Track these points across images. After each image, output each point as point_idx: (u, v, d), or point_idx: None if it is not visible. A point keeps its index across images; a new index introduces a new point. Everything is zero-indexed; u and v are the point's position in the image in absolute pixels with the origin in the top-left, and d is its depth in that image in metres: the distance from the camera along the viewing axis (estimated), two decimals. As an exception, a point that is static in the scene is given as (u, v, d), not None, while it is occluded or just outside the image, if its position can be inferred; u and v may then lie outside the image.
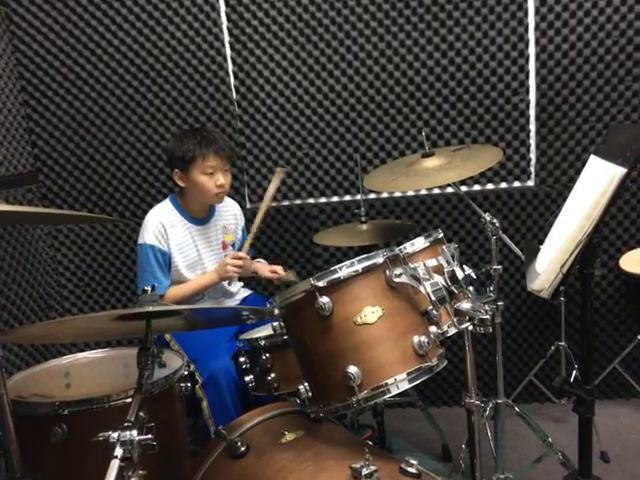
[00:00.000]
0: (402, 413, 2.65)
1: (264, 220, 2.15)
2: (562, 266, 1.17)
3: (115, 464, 0.90)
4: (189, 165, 2.01)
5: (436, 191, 2.57)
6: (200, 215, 2.16)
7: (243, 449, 1.36)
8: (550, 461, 1.95)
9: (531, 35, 2.39)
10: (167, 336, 2.00)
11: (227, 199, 2.30)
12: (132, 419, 1.00)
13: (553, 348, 2.51)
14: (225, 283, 2.11)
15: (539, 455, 1.98)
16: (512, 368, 2.63)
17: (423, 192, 2.57)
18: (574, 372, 2.48)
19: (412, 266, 1.39)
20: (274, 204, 2.64)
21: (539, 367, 2.57)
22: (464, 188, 2.53)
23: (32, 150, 2.62)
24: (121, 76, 2.56)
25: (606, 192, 1.18)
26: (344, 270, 1.29)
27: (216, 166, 2.02)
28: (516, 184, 2.52)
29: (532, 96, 2.44)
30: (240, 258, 2.01)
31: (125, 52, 2.54)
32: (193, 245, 2.11)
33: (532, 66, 2.41)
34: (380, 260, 1.31)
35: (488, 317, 1.34)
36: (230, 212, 2.27)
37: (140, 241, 2.05)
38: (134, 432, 0.96)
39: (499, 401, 1.93)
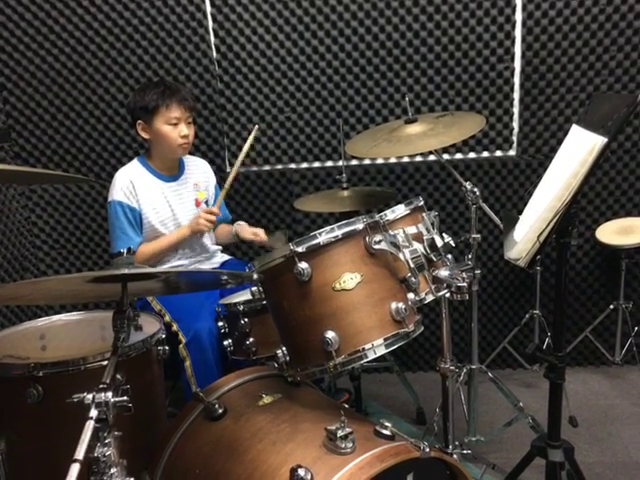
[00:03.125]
0: (379, 378, 2.70)
1: (236, 177, 2.16)
2: (539, 235, 1.18)
3: (90, 425, 0.90)
4: (152, 115, 2.00)
5: (418, 159, 2.56)
6: (169, 172, 2.15)
7: (220, 411, 1.37)
8: (521, 425, 2.02)
9: (518, 1, 2.35)
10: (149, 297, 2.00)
11: (196, 158, 2.30)
12: (107, 381, 0.99)
13: (527, 316, 2.56)
14: (197, 235, 2.11)
15: (510, 419, 2.04)
16: (487, 335, 2.69)
17: (405, 159, 2.56)
18: (547, 339, 2.55)
19: (392, 233, 1.39)
20: (255, 168, 2.61)
21: (513, 334, 2.63)
22: (446, 156, 2.52)
23: (4, 107, 2.53)
24: (96, 30, 2.46)
25: (586, 162, 1.18)
26: (324, 236, 1.29)
27: (180, 117, 2.02)
28: (498, 153, 2.52)
29: (517, 64, 2.42)
30: (213, 213, 2.03)
31: (100, 5, 2.43)
32: (165, 202, 2.10)
33: (518, 33, 2.38)
34: (360, 226, 1.31)
35: (465, 285, 1.35)
36: (200, 170, 2.26)
37: (109, 199, 2.05)
38: (109, 394, 0.95)
39: (473, 367, 1.97)
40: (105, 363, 1.40)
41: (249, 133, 2.18)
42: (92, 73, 2.50)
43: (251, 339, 1.74)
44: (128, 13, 2.44)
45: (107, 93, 2.53)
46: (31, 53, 2.48)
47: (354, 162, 2.56)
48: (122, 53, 2.48)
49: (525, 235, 1.25)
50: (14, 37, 2.46)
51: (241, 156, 2.09)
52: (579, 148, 1.22)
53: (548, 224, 1.17)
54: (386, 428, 1.21)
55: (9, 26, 2.44)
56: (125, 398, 0.97)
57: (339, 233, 1.29)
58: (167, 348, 1.64)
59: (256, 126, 2.22)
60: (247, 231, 2.19)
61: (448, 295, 1.41)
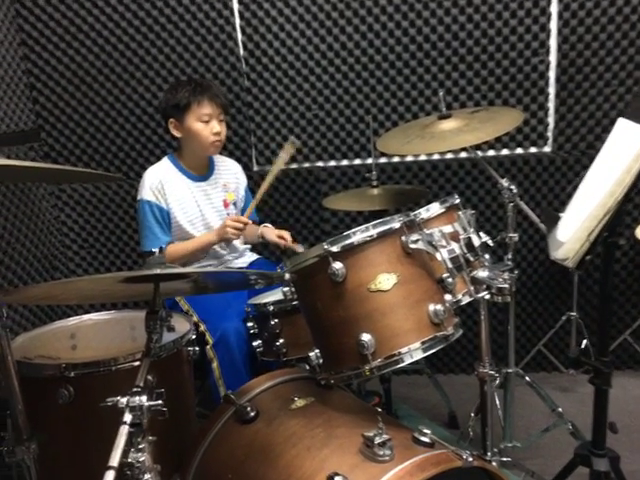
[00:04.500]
0: (408, 380, 2.65)
1: (269, 189, 2.01)
2: (589, 234, 1.12)
3: (124, 430, 0.88)
4: (184, 112, 1.99)
5: (449, 156, 2.49)
6: (199, 172, 2.13)
7: (252, 414, 1.34)
8: (559, 431, 1.94)
9: (554, -8, 2.28)
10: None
11: (227, 159, 2.28)
12: (141, 384, 0.97)
13: (564, 318, 2.48)
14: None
15: (546, 424, 1.97)
16: (520, 337, 2.61)
17: (436, 157, 2.50)
18: (584, 342, 2.46)
19: (428, 232, 1.34)
20: (283, 167, 2.57)
21: (548, 337, 2.54)
22: (478, 153, 2.45)
23: (33, 107, 2.54)
24: (124, 29, 2.45)
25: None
26: (358, 235, 1.25)
27: (211, 113, 2.01)
28: (532, 150, 2.45)
29: (553, 57, 2.34)
30: (241, 222, 1.96)
31: (128, 4, 2.43)
32: (194, 201, 2.09)
33: (554, 25, 2.31)
34: (396, 225, 1.27)
35: (507, 286, 1.30)
36: (230, 171, 2.24)
37: (138, 197, 2.05)
38: (143, 398, 0.93)
39: (509, 370, 1.91)
40: (136, 364, 1.39)
41: (283, 148, 2.01)
42: (120, 72, 2.50)
43: (281, 340, 1.70)
44: (156, 12, 2.43)
45: (135, 92, 2.53)
46: (60, 53, 2.49)
47: (383, 160, 2.51)
48: (150, 52, 2.48)
49: (573, 234, 1.19)
50: (43, 37, 2.47)
51: (274, 171, 1.96)
52: (630, 142, 1.15)
53: (599, 222, 1.11)
54: (425, 435, 1.16)
55: (38, 26, 2.46)
56: (159, 402, 0.94)
57: (374, 232, 1.25)
58: (197, 349, 1.62)
59: (294, 144, 2.01)
60: (273, 233, 2.16)
61: (488, 297, 1.35)
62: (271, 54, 2.45)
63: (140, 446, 0.90)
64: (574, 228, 1.20)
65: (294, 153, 2.23)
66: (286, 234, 2.12)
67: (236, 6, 2.43)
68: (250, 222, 2.05)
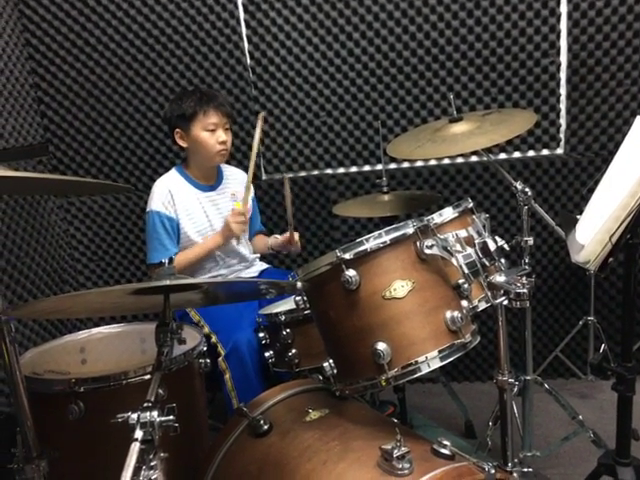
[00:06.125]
0: (422, 388, 2.60)
1: (255, 174, 2.10)
2: (611, 235, 1.08)
3: (136, 447, 0.85)
4: (190, 122, 1.99)
5: (459, 160, 2.46)
6: (207, 181, 2.13)
7: (266, 427, 1.31)
8: (579, 439, 1.89)
9: (563, -8, 2.25)
10: (187, 307, 1.96)
11: (235, 169, 2.27)
12: (152, 399, 0.94)
13: (581, 323, 2.43)
14: (234, 242, 2.07)
15: (566, 432, 1.92)
16: (537, 343, 2.55)
17: (446, 161, 2.47)
18: (602, 347, 2.40)
19: (442, 237, 1.31)
20: (291, 175, 2.55)
21: (565, 342, 2.49)
22: (490, 156, 2.42)
23: (42, 120, 2.55)
24: (131, 42, 2.45)
25: (660, 155, 1.08)
26: (371, 242, 1.22)
27: (217, 123, 2.00)
28: (545, 152, 2.41)
29: (563, 58, 2.31)
30: (241, 214, 1.98)
31: (135, 16, 2.43)
32: (202, 211, 2.08)
33: (564, 25, 2.28)
34: (410, 231, 1.23)
35: (525, 291, 1.26)
36: (238, 180, 2.22)
37: (147, 209, 2.04)
38: (155, 413, 0.90)
39: (528, 377, 1.86)
40: (146, 377, 1.37)
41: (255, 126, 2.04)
42: (127, 84, 2.50)
43: (293, 350, 1.68)
44: (162, 23, 2.43)
45: (142, 103, 2.52)
46: (67, 66, 2.49)
47: (392, 165, 2.49)
48: (157, 63, 2.47)
49: (594, 236, 1.15)
50: (50, 51, 2.47)
51: (255, 147, 1.98)
52: (650, 140, 1.12)
53: (621, 223, 1.08)
54: (445, 447, 1.12)
55: (45, 40, 2.46)
56: (171, 417, 0.91)
57: (387, 239, 1.22)
58: (209, 361, 1.59)
59: (261, 114, 2.06)
60: (280, 240, 2.15)
61: (506, 302, 1.31)
62: (278, 62, 2.44)
63: (152, 463, 0.87)
64: (595, 230, 1.16)
65: (264, 124, 2.29)
66: (294, 235, 2.09)
67: (242, 15, 2.42)
68: (248, 210, 2.05)
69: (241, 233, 2.04)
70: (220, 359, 1.79)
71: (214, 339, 1.84)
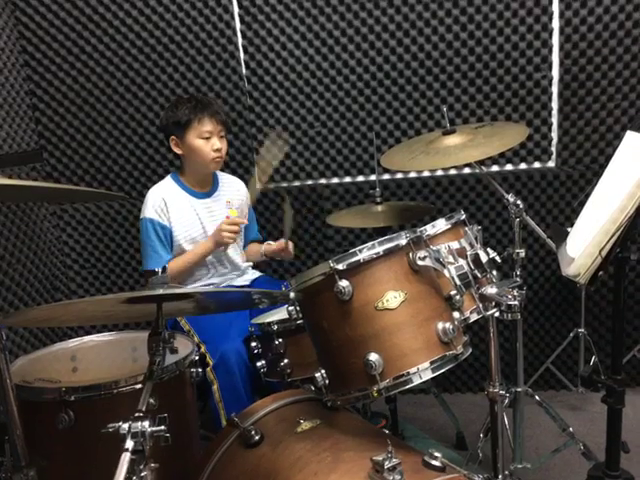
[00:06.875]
0: (414, 399, 2.60)
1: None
2: (601, 249, 1.09)
3: (126, 457, 0.84)
4: (185, 130, 2.00)
5: (452, 172, 2.48)
6: (202, 188, 2.13)
7: (257, 438, 1.31)
8: (569, 451, 1.90)
9: (555, 7, 2.28)
10: (178, 316, 1.96)
11: (231, 176, 2.28)
12: (143, 409, 0.94)
13: (572, 335, 2.44)
14: (221, 248, 2.05)
15: (556, 444, 1.92)
16: (527, 355, 2.56)
17: (439, 173, 2.49)
18: (593, 359, 2.42)
19: (435, 248, 1.32)
20: (285, 185, 2.56)
21: (556, 354, 2.50)
22: (482, 169, 2.44)
23: (36, 127, 2.54)
24: (127, 50, 2.46)
25: (649, 170, 1.10)
26: (365, 252, 1.22)
27: (212, 130, 2.01)
28: (536, 165, 2.43)
29: (555, 72, 2.34)
30: (235, 223, 1.97)
31: (131, 25, 2.43)
32: (197, 218, 2.08)
33: (556, 40, 2.31)
34: (403, 242, 1.24)
35: (517, 303, 1.27)
36: (233, 188, 2.23)
37: (141, 216, 2.05)
38: (146, 423, 0.90)
39: (518, 389, 1.87)
40: (138, 387, 1.36)
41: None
42: (123, 92, 2.50)
43: (286, 360, 1.67)
44: (159, 32, 2.44)
45: (137, 111, 2.52)
46: (62, 73, 2.49)
47: (386, 176, 2.50)
48: (152, 71, 2.48)
49: (584, 249, 1.17)
50: (46, 58, 2.48)
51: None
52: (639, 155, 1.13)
53: (611, 237, 1.09)
54: (436, 459, 1.12)
55: (41, 47, 2.46)
56: (162, 428, 0.91)
57: (380, 249, 1.23)
58: (200, 370, 1.58)
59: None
60: (273, 246, 2.16)
61: (497, 314, 1.32)
62: (273, 72, 2.45)
63: (142, 474, 0.87)
64: (585, 243, 1.17)
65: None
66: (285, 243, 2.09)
67: (238, 25, 2.43)
68: (245, 222, 2.05)
69: (230, 242, 2.01)
70: (208, 369, 1.78)
71: (203, 349, 1.83)
